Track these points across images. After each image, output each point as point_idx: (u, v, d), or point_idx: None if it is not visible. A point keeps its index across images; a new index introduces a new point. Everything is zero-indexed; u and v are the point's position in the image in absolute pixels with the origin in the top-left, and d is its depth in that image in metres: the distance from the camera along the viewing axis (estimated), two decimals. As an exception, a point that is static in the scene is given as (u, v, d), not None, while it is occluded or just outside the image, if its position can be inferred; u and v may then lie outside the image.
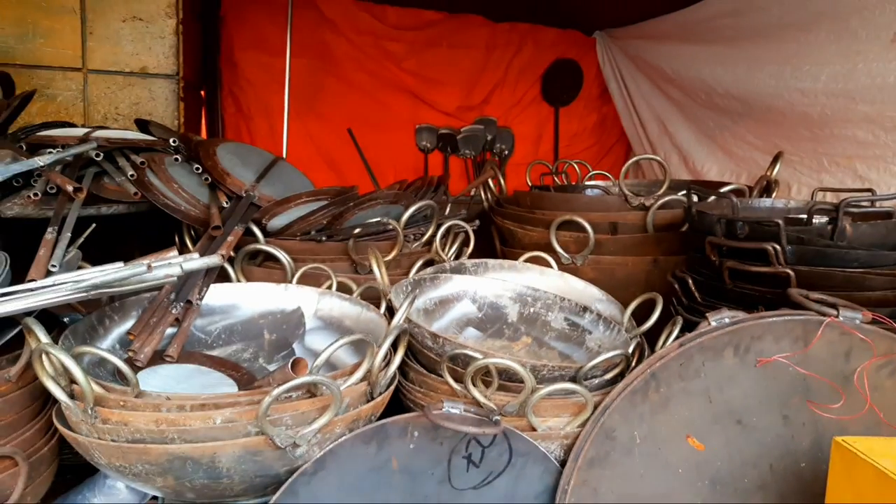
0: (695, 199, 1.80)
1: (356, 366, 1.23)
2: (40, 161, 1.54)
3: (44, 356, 1.09)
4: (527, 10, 4.08)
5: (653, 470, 1.23)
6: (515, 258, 1.91)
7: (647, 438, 1.23)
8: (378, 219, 1.89)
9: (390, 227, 1.82)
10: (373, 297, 1.64)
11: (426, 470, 1.27)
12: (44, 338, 1.11)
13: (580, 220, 1.85)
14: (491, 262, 1.88)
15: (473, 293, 1.81)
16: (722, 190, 1.91)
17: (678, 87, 3.24)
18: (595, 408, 1.25)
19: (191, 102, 2.95)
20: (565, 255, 1.90)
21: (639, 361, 1.40)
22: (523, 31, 4.10)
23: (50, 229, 1.45)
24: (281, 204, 1.82)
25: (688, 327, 1.35)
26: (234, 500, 1.23)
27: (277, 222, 1.84)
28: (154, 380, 1.36)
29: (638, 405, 1.23)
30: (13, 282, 1.29)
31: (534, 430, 1.26)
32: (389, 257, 1.82)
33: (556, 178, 2.51)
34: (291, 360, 1.06)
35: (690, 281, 1.60)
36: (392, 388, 1.34)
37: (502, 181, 2.39)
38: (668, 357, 1.23)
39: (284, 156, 3.03)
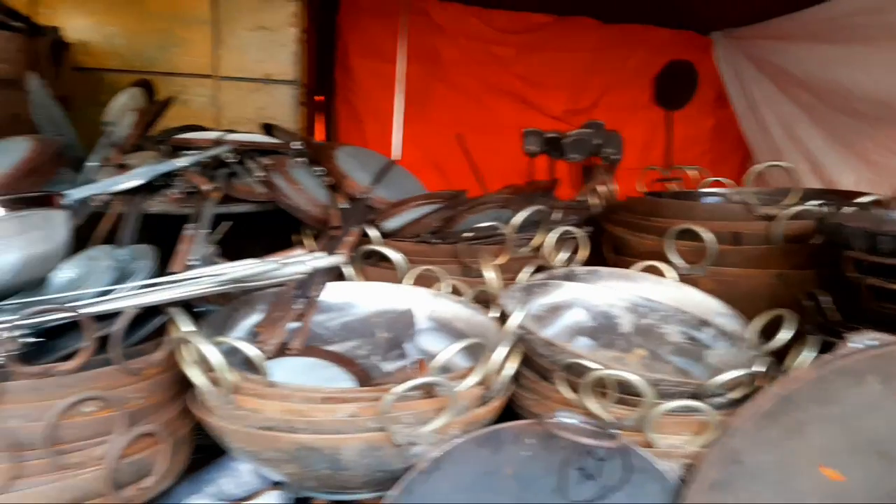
0: (827, 209, 1.69)
1: (471, 369, 1.23)
2: (180, 162, 1.66)
3: (185, 344, 1.17)
4: (639, 12, 3.96)
5: (781, 499, 1.16)
6: (627, 266, 1.86)
7: (776, 465, 1.16)
8: (488, 223, 1.90)
9: (500, 231, 1.82)
10: (484, 301, 1.65)
11: (539, 478, 1.26)
12: (186, 327, 1.19)
13: (700, 229, 1.78)
14: (603, 269, 1.84)
15: (585, 301, 1.78)
16: (860, 200, 1.77)
17: (808, 90, 3.04)
18: (719, 428, 1.19)
19: (309, 107, 3.09)
20: (683, 264, 1.83)
21: (766, 381, 1.32)
22: (635, 32, 3.99)
23: (188, 225, 1.56)
24: (396, 206, 1.87)
25: (820, 348, 1.26)
26: (353, 493, 1.28)
27: (392, 224, 1.89)
28: (279, 371, 1.43)
29: (767, 429, 1.16)
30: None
31: (652, 446, 1.22)
32: (499, 262, 1.82)
33: (669, 185, 2.42)
34: (417, 360, 1.09)
35: (825, 299, 1.49)
36: (506, 393, 1.34)
37: (614, 187, 2.34)
38: (802, 380, 1.16)
39: (396, 159, 3.10)
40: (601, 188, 2.33)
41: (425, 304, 1.70)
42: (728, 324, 1.66)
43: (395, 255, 1.78)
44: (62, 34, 2.49)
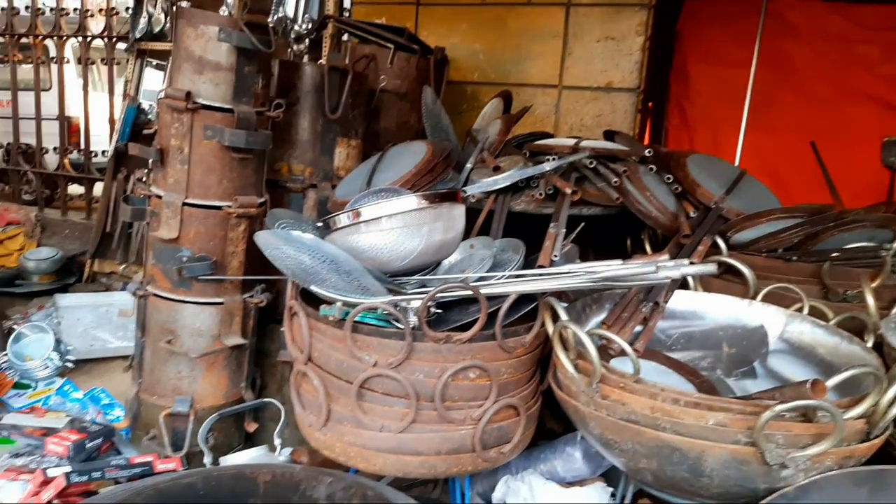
0: None
1: (855, 400, 1.15)
2: (547, 166, 1.82)
3: (563, 331, 1.29)
4: None
5: None
6: None
7: None
8: (861, 243, 1.72)
9: (879, 253, 1.63)
10: (851, 329, 1.51)
11: (926, 536, 1.12)
12: (564, 316, 1.32)
13: None
14: None
15: None
16: None
17: None
18: None
19: (643, 114, 3.12)
20: None
21: None
22: None
23: (552, 224, 1.71)
24: (751, 219, 1.80)
25: None
26: (702, 501, 1.28)
27: (743, 237, 1.82)
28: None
29: None
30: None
31: None
32: (872, 286, 1.64)
33: None
34: (811, 381, 1.05)
35: None
36: (887, 433, 1.21)
37: None
38: None
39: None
40: None
41: (779, 323, 1.61)
42: None
43: (745, 269, 1.72)
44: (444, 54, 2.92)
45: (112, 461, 1.88)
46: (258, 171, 2.08)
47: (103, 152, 5.25)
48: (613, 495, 1.80)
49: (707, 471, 1.16)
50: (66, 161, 5.00)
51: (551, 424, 2.02)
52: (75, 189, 5.43)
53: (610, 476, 1.85)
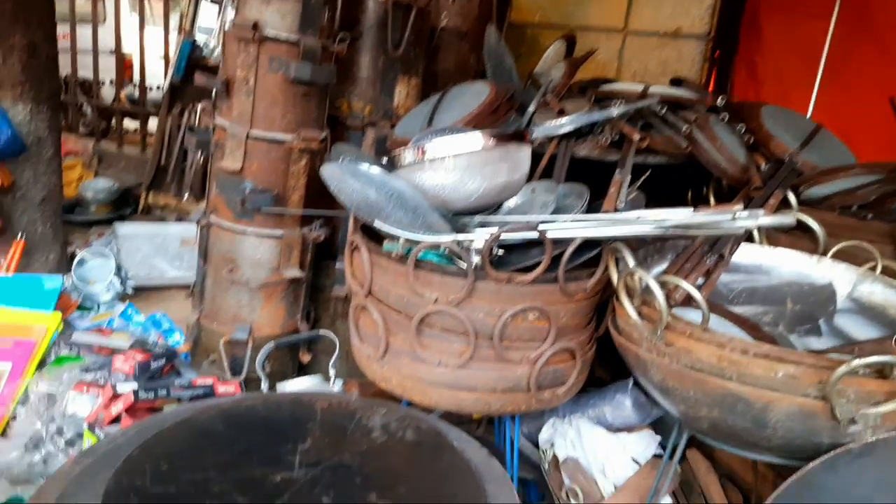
0: None
1: (935, 361, 1.11)
2: (615, 111, 1.77)
3: (630, 277, 1.28)
4: None
5: None
6: None
7: None
8: (944, 204, 1.64)
9: (964, 216, 1.56)
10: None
11: None
12: (631, 262, 1.30)
13: None
14: None
15: None
16: None
17: None
18: None
19: (711, 63, 3.00)
20: None
21: None
22: None
23: (618, 171, 1.67)
24: (826, 174, 1.73)
25: None
26: (761, 453, 1.28)
27: (816, 192, 1.76)
28: (688, 320, 1.48)
29: None
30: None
31: None
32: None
33: None
34: (891, 336, 1.03)
35: None
36: (961, 397, 1.18)
37: None
38: None
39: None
40: None
41: (849, 282, 1.57)
42: None
43: (816, 226, 1.66)
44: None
45: (176, 381, 1.96)
46: (321, 106, 2.07)
47: (158, 87, 5.32)
48: (660, 444, 1.82)
49: (771, 422, 1.15)
50: (122, 95, 5.08)
51: (600, 373, 2.03)
52: (130, 123, 5.54)
53: (656, 426, 1.86)
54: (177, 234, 3.37)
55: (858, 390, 1.09)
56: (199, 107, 1.99)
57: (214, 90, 1.98)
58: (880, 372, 1.10)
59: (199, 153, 2.97)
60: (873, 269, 1.55)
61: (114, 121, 5.33)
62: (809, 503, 1.16)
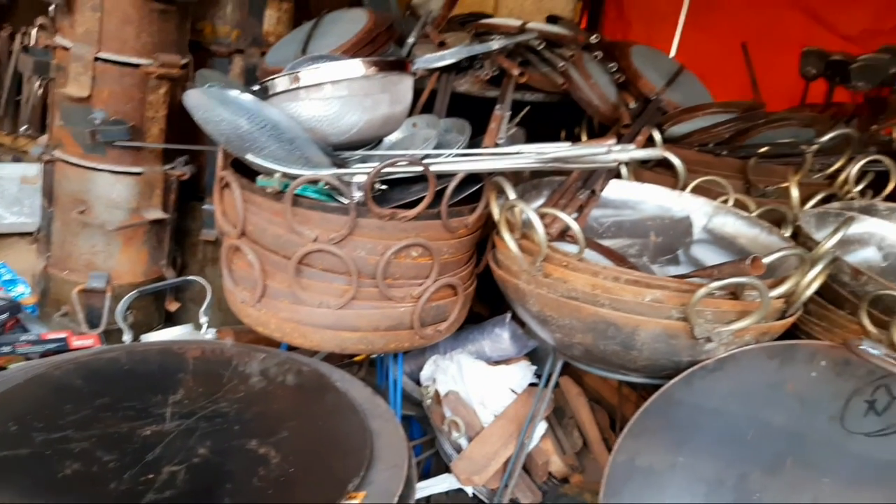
0: None
1: (779, 280, 1.23)
2: (495, 45, 1.75)
3: (510, 210, 1.29)
4: None
5: None
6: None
7: None
8: (786, 140, 1.80)
9: (802, 150, 1.72)
10: (772, 221, 1.60)
11: (820, 402, 1.25)
12: (513, 195, 1.31)
13: None
14: (910, 209, 1.68)
15: (881, 239, 1.66)
16: None
17: None
18: None
19: (584, 4, 3.05)
20: None
21: None
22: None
23: (498, 106, 1.67)
24: (688, 112, 1.83)
25: None
26: (628, 374, 1.37)
27: (678, 130, 1.86)
28: (566, 253, 1.53)
29: None
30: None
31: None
32: (796, 179, 1.73)
33: None
34: (751, 258, 1.11)
35: None
36: (798, 313, 1.32)
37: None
38: None
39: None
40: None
41: (705, 214, 1.69)
42: None
43: (677, 162, 1.76)
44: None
45: (21, 337, 1.77)
46: (181, 27, 1.88)
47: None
48: (536, 374, 1.91)
49: (638, 344, 1.23)
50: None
51: (478, 308, 2.08)
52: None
53: (532, 357, 1.95)
54: (14, 174, 3.00)
55: (715, 311, 1.18)
56: (37, 23, 1.72)
57: (53, 4, 1.73)
58: (734, 293, 1.21)
59: (39, 82, 2.62)
60: (726, 202, 1.68)
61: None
62: (669, 416, 1.27)
